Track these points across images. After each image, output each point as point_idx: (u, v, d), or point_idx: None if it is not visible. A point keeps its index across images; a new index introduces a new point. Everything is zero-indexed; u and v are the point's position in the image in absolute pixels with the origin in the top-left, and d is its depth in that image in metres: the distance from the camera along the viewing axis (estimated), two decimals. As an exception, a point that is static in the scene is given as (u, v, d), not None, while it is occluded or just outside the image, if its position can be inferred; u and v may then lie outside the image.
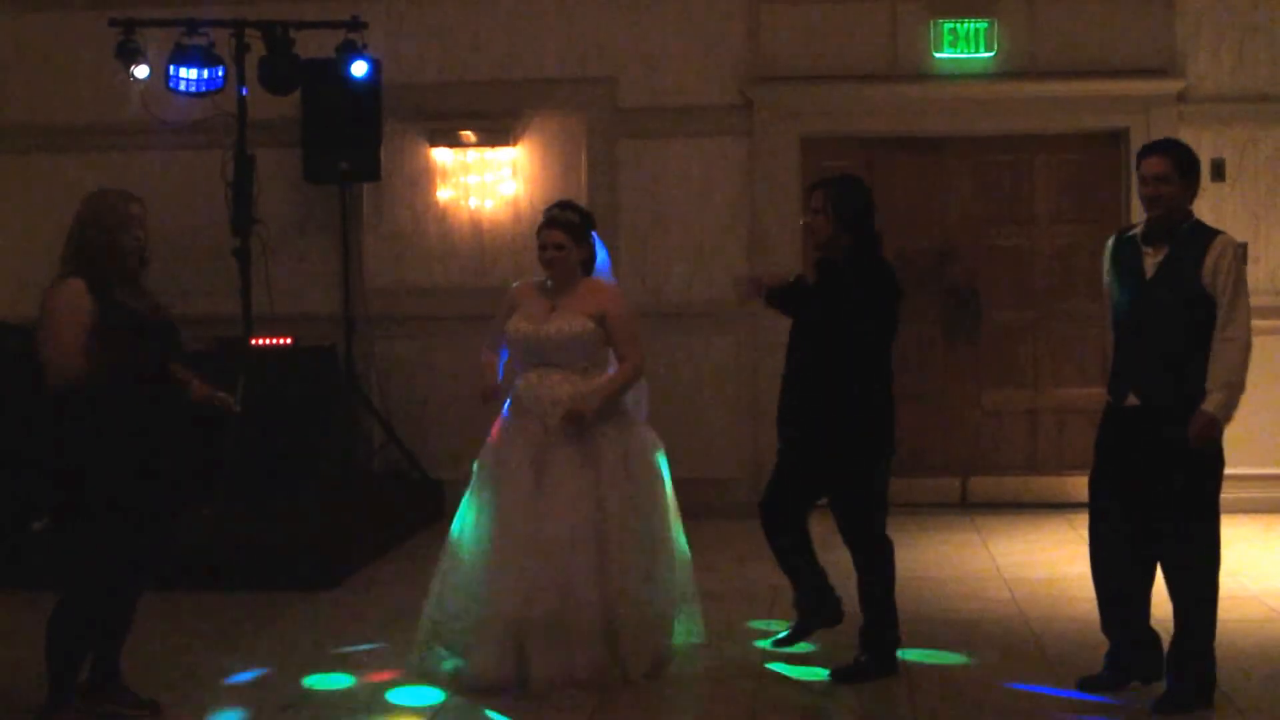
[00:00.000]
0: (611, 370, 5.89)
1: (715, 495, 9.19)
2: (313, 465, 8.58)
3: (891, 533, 5.82)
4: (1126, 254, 5.42)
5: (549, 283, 5.88)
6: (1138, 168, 5.41)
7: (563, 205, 5.99)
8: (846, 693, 5.60)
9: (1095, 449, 5.52)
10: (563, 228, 5.83)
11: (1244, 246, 5.42)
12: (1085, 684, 5.52)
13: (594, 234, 6.00)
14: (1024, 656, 6.07)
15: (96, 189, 5.38)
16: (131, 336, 5.10)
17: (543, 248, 5.84)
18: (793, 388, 5.80)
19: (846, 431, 5.65)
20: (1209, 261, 5.20)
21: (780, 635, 6.04)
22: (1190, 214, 5.37)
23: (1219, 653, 5.39)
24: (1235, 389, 5.19)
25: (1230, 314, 5.17)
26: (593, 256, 5.97)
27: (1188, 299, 5.20)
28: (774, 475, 5.91)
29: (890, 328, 5.74)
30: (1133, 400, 5.32)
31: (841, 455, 5.67)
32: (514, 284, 6.10)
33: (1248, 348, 5.22)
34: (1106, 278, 5.54)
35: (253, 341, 8.71)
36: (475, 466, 5.86)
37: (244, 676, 5.94)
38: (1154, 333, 5.29)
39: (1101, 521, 5.47)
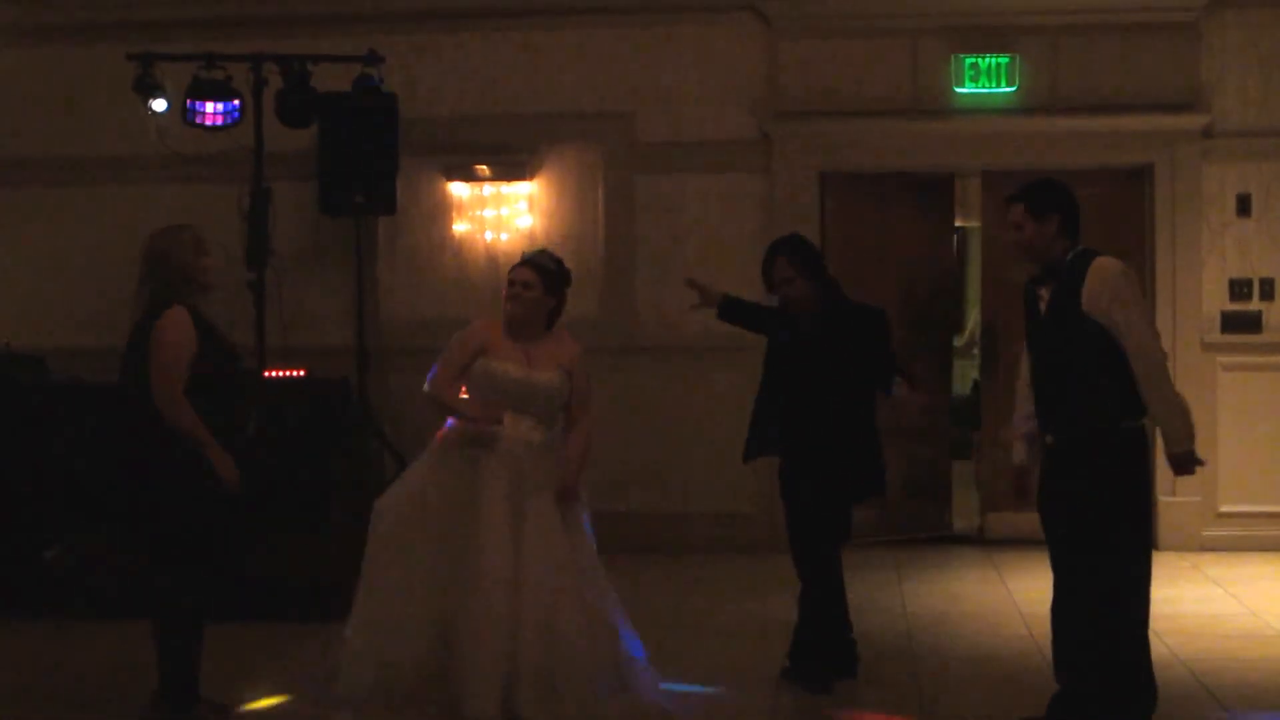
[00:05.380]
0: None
1: (728, 530, 9.09)
2: (325, 497, 8.50)
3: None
4: (1029, 298, 5.29)
5: (511, 325, 5.69)
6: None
7: (541, 252, 5.86)
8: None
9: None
10: (535, 269, 5.70)
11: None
12: None
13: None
14: (1040, 693, 5.92)
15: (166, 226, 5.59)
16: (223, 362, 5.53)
17: (510, 284, 5.69)
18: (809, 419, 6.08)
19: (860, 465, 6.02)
20: (1088, 286, 5.00)
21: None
22: (1072, 245, 5.17)
23: (1242, 692, 5.23)
24: (1174, 412, 4.97)
25: (1127, 334, 4.96)
26: (559, 312, 5.80)
27: (1077, 329, 5.01)
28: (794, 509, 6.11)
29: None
30: (1049, 440, 5.19)
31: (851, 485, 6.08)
32: (475, 322, 5.86)
33: (1161, 363, 5.02)
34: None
35: (266, 374, 8.67)
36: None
37: (255, 708, 5.86)
38: (1053, 369, 5.14)
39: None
